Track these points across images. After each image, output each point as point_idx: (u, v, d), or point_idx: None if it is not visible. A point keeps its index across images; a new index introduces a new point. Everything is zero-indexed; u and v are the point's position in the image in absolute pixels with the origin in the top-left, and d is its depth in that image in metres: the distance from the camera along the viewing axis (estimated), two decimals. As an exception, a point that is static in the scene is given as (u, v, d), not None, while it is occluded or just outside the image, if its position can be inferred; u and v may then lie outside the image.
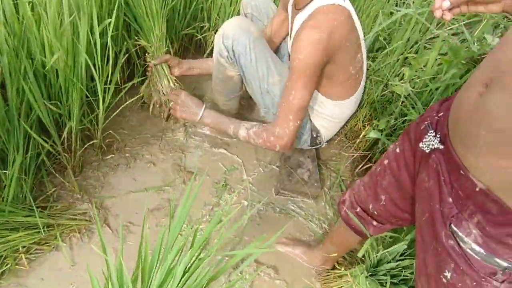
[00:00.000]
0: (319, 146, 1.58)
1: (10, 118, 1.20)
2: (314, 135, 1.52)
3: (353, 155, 1.83)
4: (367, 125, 1.81)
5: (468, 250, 0.74)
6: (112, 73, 1.39)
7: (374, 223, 1.13)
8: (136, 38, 1.62)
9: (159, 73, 1.62)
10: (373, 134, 1.56)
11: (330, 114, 1.45)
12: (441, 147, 0.81)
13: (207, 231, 0.92)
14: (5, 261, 1.21)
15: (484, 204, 0.71)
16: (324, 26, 1.16)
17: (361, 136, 1.77)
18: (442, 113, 0.87)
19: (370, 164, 1.71)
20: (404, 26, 1.55)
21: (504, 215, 0.69)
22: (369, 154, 1.75)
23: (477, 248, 0.73)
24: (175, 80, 1.73)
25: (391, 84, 1.59)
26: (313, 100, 1.42)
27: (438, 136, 0.82)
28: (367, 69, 1.49)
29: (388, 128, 1.60)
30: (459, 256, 0.76)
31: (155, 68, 1.60)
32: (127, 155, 1.60)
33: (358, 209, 1.17)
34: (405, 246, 1.13)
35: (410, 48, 1.58)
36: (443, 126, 0.83)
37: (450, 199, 0.78)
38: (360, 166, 1.75)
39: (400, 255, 1.18)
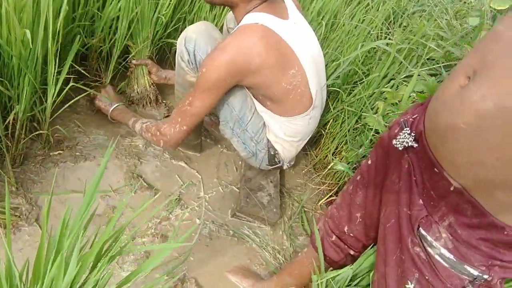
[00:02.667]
0: (279, 165, 1.51)
1: None
2: (272, 153, 1.47)
3: (319, 187, 1.76)
4: (337, 157, 1.75)
5: (436, 256, 0.68)
6: (73, 62, 1.30)
7: (352, 252, 1.06)
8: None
9: (137, 73, 1.72)
10: (339, 166, 1.50)
11: (283, 130, 1.40)
12: (415, 145, 0.76)
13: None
14: None
15: (458, 205, 0.66)
16: (230, 48, 1.18)
17: (328, 168, 1.70)
18: (416, 115, 0.82)
19: (335, 198, 1.64)
20: (383, 61, 1.53)
21: (479, 217, 0.64)
22: (335, 188, 1.68)
23: (446, 254, 0.68)
24: (152, 83, 1.73)
25: (364, 116, 1.55)
26: (265, 117, 1.41)
27: (413, 134, 0.78)
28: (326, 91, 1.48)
29: (356, 162, 1.54)
30: (425, 264, 0.70)
31: (135, 68, 1.70)
32: (77, 153, 1.49)
33: (334, 237, 1.10)
34: (351, 272, 1.04)
35: (387, 84, 1.55)
36: (418, 124, 0.78)
37: (421, 201, 0.74)
38: (325, 199, 1.67)
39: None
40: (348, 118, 1.64)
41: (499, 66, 0.59)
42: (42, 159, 1.42)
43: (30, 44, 1.12)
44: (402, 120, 0.82)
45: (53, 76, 1.25)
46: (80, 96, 1.41)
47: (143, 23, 1.65)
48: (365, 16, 1.76)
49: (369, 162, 0.96)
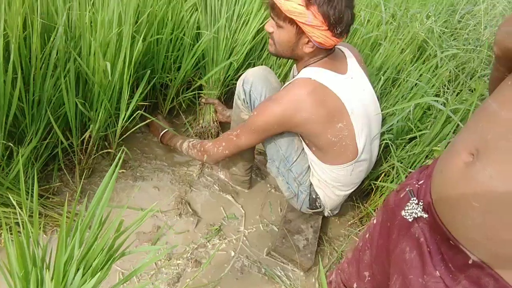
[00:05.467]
0: (319, 210, 1.52)
1: (40, 105, 1.32)
2: (314, 196, 1.50)
3: (363, 242, 1.71)
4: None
5: None
6: (141, 93, 1.49)
7: None
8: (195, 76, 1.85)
9: (205, 110, 1.90)
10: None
11: (325, 177, 1.43)
12: (425, 216, 0.76)
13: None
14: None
15: (479, 278, 0.65)
16: (281, 100, 1.28)
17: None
18: (422, 181, 0.82)
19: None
20: (437, 120, 1.51)
21: None
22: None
23: None
24: (216, 120, 1.88)
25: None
26: (310, 161, 1.45)
27: (421, 204, 0.78)
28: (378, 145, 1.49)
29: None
30: None
31: (204, 106, 1.88)
32: (137, 174, 1.65)
33: None
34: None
35: (439, 143, 1.51)
36: (425, 194, 0.78)
37: (437, 273, 0.71)
38: (365, 254, 1.62)
39: None
40: (397, 174, 1.61)
41: (502, 148, 0.61)
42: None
43: (109, 75, 1.33)
44: (408, 189, 0.82)
45: (126, 103, 1.45)
46: (145, 122, 1.59)
47: (217, 66, 1.84)
48: (426, 75, 1.75)
49: (375, 221, 0.96)
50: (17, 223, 1.29)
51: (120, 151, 1.48)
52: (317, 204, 1.52)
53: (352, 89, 1.32)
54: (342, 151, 1.35)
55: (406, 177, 1.02)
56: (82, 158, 1.51)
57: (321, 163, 1.41)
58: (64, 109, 1.38)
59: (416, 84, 1.72)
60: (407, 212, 0.79)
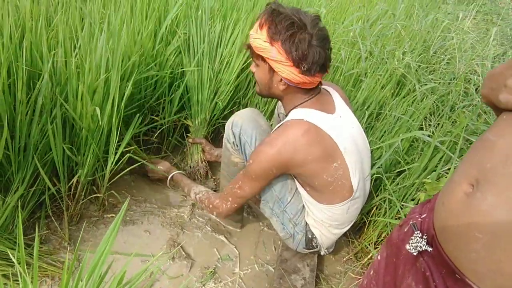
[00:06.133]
0: (316, 250, 1.50)
1: (26, 151, 1.28)
2: (310, 236, 1.48)
3: (359, 278, 1.69)
4: (379, 247, 1.70)
5: None
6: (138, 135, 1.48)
7: None
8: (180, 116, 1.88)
9: (193, 150, 1.91)
10: (379, 257, 1.46)
11: (321, 216, 1.41)
12: (430, 249, 0.76)
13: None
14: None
15: None
16: (275, 142, 1.27)
17: (369, 257, 1.65)
18: (425, 215, 0.82)
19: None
20: (424, 152, 1.54)
21: None
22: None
23: None
24: (204, 159, 1.87)
25: (405, 206, 1.53)
26: (305, 200, 1.44)
27: (425, 237, 0.78)
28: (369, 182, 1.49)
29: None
30: None
31: (192, 146, 1.89)
32: (127, 218, 1.61)
33: None
34: None
35: (428, 175, 1.54)
36: (429, 227, 0.79)
37: None
38: (363, 290, 1.60)
39: None
40: (389, 207, 1.62)
41: (501, 176, 0.62)
42: (96, 220, 1.56)
43: (99, 120, 1.31)
44: (411, 223, 0.82)
45: (114, 147, 1.43)
46: (136, 165, 1.57)
47: (202, 107, 1.85)
48: (409, 108, 1.81)
49: (379, 257, 0.96)
50: (4, 275, 1.22)
51: (109, 197, 1.45)
52: (313, 243, 1.50)
53: (342, 127, 1.34)
54: (338, 190, 1.35)
55: (408, 212, 1.03)
56: (70, 204, 1.47)
57: (317, 203, 1.40)
58: (51, 155, 1.35)
59: (399, 118, 1.77)
60: (412, 246, 0.79)
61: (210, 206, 1.52)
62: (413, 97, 1.94)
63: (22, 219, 1.31)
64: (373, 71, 2.11)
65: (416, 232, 0.80)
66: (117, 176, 1.50)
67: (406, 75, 2.12)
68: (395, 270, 0.88)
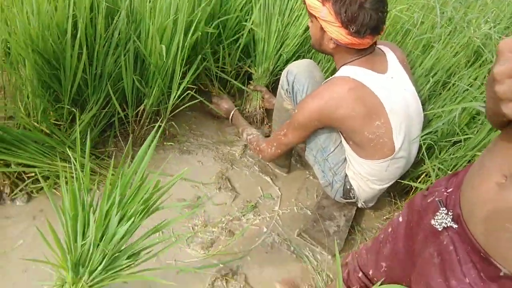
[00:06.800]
0: (353, 201, 1.56)
1: (101, 78, 1.47)
2: (348, 187, 1.53)
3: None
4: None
5: None
6: (192, 74, 1.62)
7: None
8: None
9: (253, 96, 2.00)
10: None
11: (360, 170, 1.46)
12: (455, 226, 0.78)
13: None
14: (46, 181, 1.42)
15: None
16: (320, 96, 1.34)
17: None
18: (451, 189, 0.84)
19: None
20: (484, 126, 1.50)
21: None
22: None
23: None
24: (262, 107, 1.97)
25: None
26: (347, 154, 1.50)
27: (450, 214, 0.80)
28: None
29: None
30: None
31: (252, 92, 1.98)
32: (184, 148, 1.78)
33: (360, 273, 1.17)
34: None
35: (484, 148, 1.50)
36: (455, 205, 0.80)
37: (467, 279, 0.74)
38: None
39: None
40: (437, 176, 1.61)
41: None
42: (156, 146, 1.74)
43: (164, 57, 1.45)
44: (437, 199, 0.84)
45: (177, 83, 1.57)
46: (196, 100, 1.71)
47: (267, 57, 1.93)
48: (475, 81, 1.73)
49: (400, 219, 1.00)
50: (73, 177, 1.44)
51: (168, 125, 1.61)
52: (350, 194, 1.56)
53: (391, 88, 1.35)
54: (378, 147, 1.38)
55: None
56: (136, 128, 1.65)
57: (357, 157, 1.45)
58: (122, 84, 1.53)
59: (467, 89, 1.71)
60: (437, 222, 0.82)
61: (257, 148, 1.64)
62: (488, 69, 1.84)
63: (93, 135, 1.53)
64: (448, 38, 2.01)
65: (441, 209, 0.81)
66: (178, 109, 1.66)
67: (483, 47, 2.00)
68: (414, 236, 0.92)
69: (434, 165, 1.62)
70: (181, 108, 1.66)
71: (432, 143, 1.62)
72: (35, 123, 1.47)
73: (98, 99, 1.51)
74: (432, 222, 0.82)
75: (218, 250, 1.44)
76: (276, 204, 1.70)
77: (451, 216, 0.79)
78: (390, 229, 1.05)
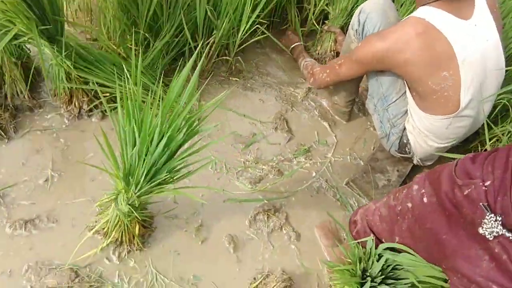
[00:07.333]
0: (408, 156, 1.52)
1: (175, 6, 1.52)
2: (404, 141, 1.49)
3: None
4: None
5: None
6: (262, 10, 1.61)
7: None
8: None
9: (325, 37, 1.95)
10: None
11: (419, 125, 1.39)
12: (508, 235, 0.76)
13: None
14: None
15: None
16: (388, 37, 1.27)
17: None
18: (489, 182, 0.78)
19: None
20: None
21: None
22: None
23: None
24: (333, 49, 1.92)
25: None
26: (409, 106, 1.43)
27: (499, 219, 0.77)
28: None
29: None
30: None
31: (325, 33, 1.93)
32: (248, 84, 1.82)
33: (372, 235, 1.19)
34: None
35: None
36: (504, 209, 0.76)
37: None
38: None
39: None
40: (509, 140, 1.47)
41: None
42: (222, 80, 1.80)
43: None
44: (482, 204, 0.78)
45: (247, 17, 1.57)
46: (264, 35, 1.71)
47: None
48: None
49: (425, 200, 0.95)
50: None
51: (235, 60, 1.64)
52: (406, 149, 1.51)
53: (471, 37, 1.22)
54: (442, 101, 1.29)
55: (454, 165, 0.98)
56: (204, 60, 1.71)
57: (418, 110, 1.38)
58: (195, 14, 1.57)
59: None
60: (486, 231, 0.79)
61: (310, 72, 1.66)
62: None
63: (164, 63, 1.62)
64: None
65: (489, 216, 0.77)
66: (247, 43, 1.68)
67: None
68: (451, 226, 0.90)
69: (505, 130, 1.48)
70: (249, 42, 1.68)
71: (508, 104, 1.46)
72: (114, 46, 1.60)
73: (172, 26, 1.57)
74: (481, 231, 0.80)
75: (265, 187, 1.52)
76: (330, 151, 1.71)
77: (500, 222, 0.75)
78: (410, 205, 1.02)
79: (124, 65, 1.44)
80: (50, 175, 1.36)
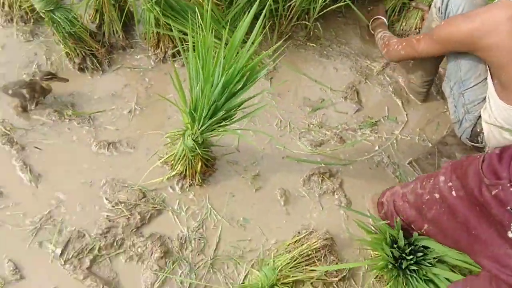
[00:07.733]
0: (479, 146, 1.45)
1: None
2: (478, 130, 1.43)
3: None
4: None
5: None
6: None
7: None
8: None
9: (412, 14, 1.92)
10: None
11: (496, 114, 1.32)
12: None
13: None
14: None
15: None
16: (475, 19, 1.20)
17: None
18: None
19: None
20: None
21: None
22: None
23: None
24: (420, 27, 1.88)
25: None
26: (489, 93, 1.35)
27: None
28: None
29: None
30: None
31: (412, 10, 1.90)
32: (324, 52, 1.84)
33: (398, 219, 1.21)
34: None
35: None
36: None
37: None
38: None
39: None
40: None
41: None
42: (299, 44, 1.84)
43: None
44: (510, 208, 0.80)
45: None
46: (344, 3, 1.71)
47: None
48: None
49: (454, 194, 0.95)
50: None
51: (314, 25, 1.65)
52: (478, 138, 1.44)
53: None
54: None
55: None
56: (283, 22, 1.76)
57: (498, 99, 1.30)
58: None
59: None
60: None
61: (386, 42, 1.61)
62: None
63: (244, 19, 1.68)
64: None
65: None
66: (327, 9, 1.69)
67: None
68: (481, 224, 0.93)
69: None
70: (329, 8, 1.69)
71: None
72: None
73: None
74: (510, 235, 0.82)
75: (325, 151, 1.55)
76: (398, 128, 1.68)
77: None
78: (437, 196, 1.03)
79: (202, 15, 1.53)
80: (134, 107, 1.52)
